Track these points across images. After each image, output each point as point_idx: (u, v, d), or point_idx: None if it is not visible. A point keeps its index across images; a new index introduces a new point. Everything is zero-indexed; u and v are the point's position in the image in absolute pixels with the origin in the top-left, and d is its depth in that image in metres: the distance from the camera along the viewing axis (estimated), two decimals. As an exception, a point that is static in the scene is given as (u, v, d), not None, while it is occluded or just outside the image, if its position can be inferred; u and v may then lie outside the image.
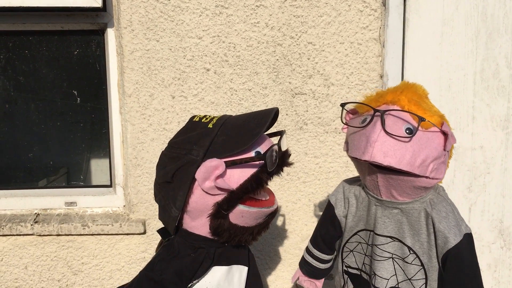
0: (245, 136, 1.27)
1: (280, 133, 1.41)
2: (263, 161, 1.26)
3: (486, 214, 2.44)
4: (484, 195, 2.43)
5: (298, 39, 2.33)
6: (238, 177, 1.26)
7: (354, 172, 2.41)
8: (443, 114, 1.39)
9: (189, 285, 1.32)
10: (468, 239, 1.38)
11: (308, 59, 2.34)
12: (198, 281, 1.33)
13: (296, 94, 2.36)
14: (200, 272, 1.33)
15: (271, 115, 1.29)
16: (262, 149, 1.31)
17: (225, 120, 1.34)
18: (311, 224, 2.46)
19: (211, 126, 1.32)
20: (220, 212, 1.28)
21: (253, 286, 1.43)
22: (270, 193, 1.42)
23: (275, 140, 1.43)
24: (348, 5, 2.30)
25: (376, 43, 2.33)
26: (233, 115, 1.38)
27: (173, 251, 1.35)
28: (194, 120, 1.39)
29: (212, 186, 1.23)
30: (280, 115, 2.37)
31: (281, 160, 1.34)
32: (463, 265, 1.37)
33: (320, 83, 2.35)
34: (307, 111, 2.37)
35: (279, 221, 2.47)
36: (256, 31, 2.32)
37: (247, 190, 1.26)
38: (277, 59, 2.34)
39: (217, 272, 1.36)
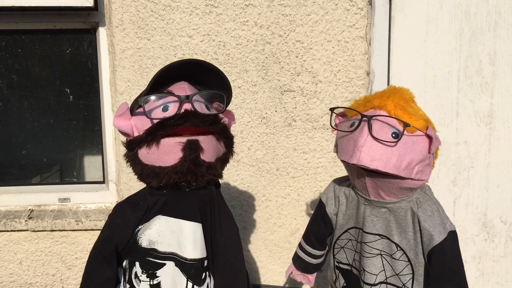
0: (149, 87, 1.32)
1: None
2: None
3: (470, 207, 2.50)
4: (468, 189, 2.49)
5: (286, 37, 2.38)
6: (141, 123, 1.33)
7: (341, 168, 2.46)
8: (428, 117, 1.45)
9: (137, 230, 1.40)
10: (452, 236, 1.45)
11: (297, 57, 2.39)
12: (145, 228, 1.40)
13: (284, 91, 2.41)
14: (146, 218, 1.40)
15: (178, 63, 1.31)
16: (171, 102, 1.32)
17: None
18: (300, 218, 2.51)
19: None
20: (127, 154, 1.39)
21: (222, 251, 1.43)
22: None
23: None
24: (335, 4, 2.35)
25: (362, 41, 2.38)
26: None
27: (130, 199, 1.47)
28: None
29: (114, 124, 1.35)
30: (269, 112, 2.42)
31: (186, 116, 1.28)
32: (447, 260, 1.44)
33: (308, 80, 2.40)
34: (295, 108, 2.43)
35: (269, 216, 2.52)
36: (245, 30, 2.36)
37: (140, 139, 1.32)
38: (266, 57, 2.39)
39: (165, 222, 1.40)
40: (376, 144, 1.35)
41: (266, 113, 2.43)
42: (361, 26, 2.37)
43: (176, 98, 1.30)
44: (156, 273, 1.40)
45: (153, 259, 1.40)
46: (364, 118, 1.39)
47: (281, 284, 2.59)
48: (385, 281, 1.53)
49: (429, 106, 2.43)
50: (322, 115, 2.42)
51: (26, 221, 2.45)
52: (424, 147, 1.39)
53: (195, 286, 1.40)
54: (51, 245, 2.52)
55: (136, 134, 1.35)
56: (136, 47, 2.37)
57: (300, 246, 1.82)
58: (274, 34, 2.37)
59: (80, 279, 2.54)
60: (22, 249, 2.52)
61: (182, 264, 1.39)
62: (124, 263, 1.46)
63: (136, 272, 1.43)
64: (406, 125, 1.35)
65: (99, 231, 2.47)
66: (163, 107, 1.31)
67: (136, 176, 1.42)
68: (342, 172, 2.46)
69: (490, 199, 2.50)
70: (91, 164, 2.71)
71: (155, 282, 1.41)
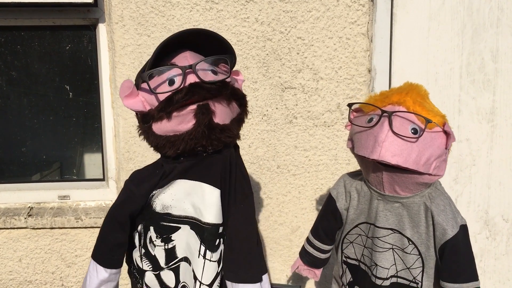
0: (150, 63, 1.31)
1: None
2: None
3: (472, 205, 2.49)
4: (470, 187, 2.48)
5: (287, 34, 2.36)
6: (150, 97, 1.34)
7: (343, 165, 2.45)
8: (444, 114, 1.46)
9: (151, 195, 1.42)
10: (464, 230, 1.48)
11: (298, 53, 2.37)
12: (159, 193, 1.41)
13: (285, 88, 2.40)
14: (161, 184, 1.41)
15: (179, 33, 1.28)
16: (176, 75, 1.30)
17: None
18: (301, 216, 2.50)
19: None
20: (140, 126, 1.40)
21: (234, 216, 1.41)
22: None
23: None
24: (337, 1, 2.33)
25: (364, 37, 2.37)
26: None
27: (146, 167, 1.48)
28: None
29: (125, 105, 1.35)
30: (270, 109, 2.40)
31: (192, 89, 1.26)
32: (459, 254, 1.47)
33: (310, 77, 2.39)
34: (296, 105, 2.41)
35: (270, 214, 2.51)
36: (246, 26, 2.35)
37: (153, 115, 1.32)
38: (267, 54, 2.37)
39: (180, 185, 1.40)
40: (397, 140, 1.37)
41: (267, 110, 2.41)
42: (363, 22, 2.36)
43: (180, 71, 1.28)
44: (171, 237, 1.41)
45: (167, 223, 1.41)
46: (385, 114, 1.40)
47: (282, 282, 2.58)
48: (395, 274, 1.55)
49: (431, 103, 2.42)
50: (323, 112, 2.41)
51: (25, 218, 2.44)
52: (441, 143, 1.42)
53: (207, 251, 1.39)
54: (50, 242, 2.51)
55: (148, 108, 1.35)
56: (136, 44, 2.35)
57: (308, 240, 1.83)
58: (275, 30, 2.36)
59: (80, 277, 2.54)
60: (21, 247, 2.51)
61: (197, 226, 1.39)
62: (139, 228, 1.46)
63: (150, 236, 1.44)
64: (428, 121, 1.38)
65: (99, 229, 2.48)
66: (169, 81, 1.30)
67: (150, 149, 1.43)
68: (344, 170, 2.45)
69: (492, 197, 2.49)
70: (91, 161, 2.70)
71: (169, 246, 1.42)
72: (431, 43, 2.39)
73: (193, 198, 1.39)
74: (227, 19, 2.34)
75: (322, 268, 1.86)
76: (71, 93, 2.61)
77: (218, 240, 1.40)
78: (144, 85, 1.34)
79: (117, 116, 2.42)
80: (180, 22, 2.34)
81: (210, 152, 1.37)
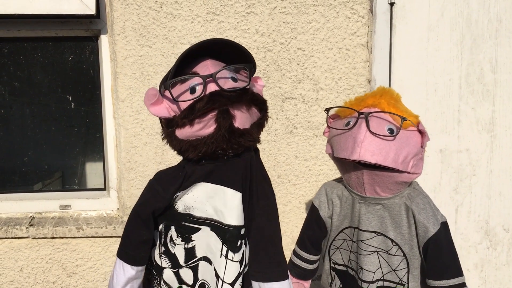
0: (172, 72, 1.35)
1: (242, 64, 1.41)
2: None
3: (473, 215, 2.49)
4: (470, 197, 2.48)
5: (287, 45, 2.38)
6: (172, 105, 1.38)
7: (343, 175, 2.46)
8: (417, 114, 1.51)
9: (174, 196, 1.45)
10: (445, 227, 1.52)
11: (298, 64, 2.39)
12: (182, 194, 1.44)
13: (286, 98, 2.42)
14: (184, 186, 1.44)
15: (201, 43, 1.32)
16: (198, 84, 1.34)
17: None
18: (302, 225, 2.50)
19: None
20: (164, 131, 1.44)
21: (258, 218, 1.44)
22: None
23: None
24: (336, 12, 2.35)
25: (363, 48, 2.39)
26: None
27: (170, 169, 1.51)
28: None
29: (152, 112, 1.39)
30: (270, 119, 2.42)
31: (213, 98, 1.30)
32: (442, 251, 1.50)
33: (310, 87, 2.41)
34: (297, 115, 2.43)
35: (270, 223, 2.51)
36: (247, 37, 2.37)
37: (176, 122, 1.36)
38: (268, 65, 2.39)
39: (203, 187, 1.43)
40: (375, 139, 1.40)
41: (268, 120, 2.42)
42: (362, 33, 2.38)
43: (201, 80, 1.33)
44: (191, 237, 1.44)
45: (188, 224, 1.44)
46: (362, 115, 1.45)
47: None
48: (382, 278, 1.57)
49: (431, 114, 2.43)
50: (323, 123, 2.42)
51: (27, 228, 2.45)
52: (417, 142, 1.47)
53: (229, 251, 1.42)
54: (51, 252, 2.51)
55: (172, 114, 1.39)
56: (138, 55, 2.38)
57: (295, 253, 1.83)
58: (275, 41, 2.38)
59: (80, 286, 2.54)
60: (22, 256, 2.52)
61: (218, 228, 1.42)
62: (160, 227, 1.49)
63: (171, 236, 1.47)
64: (403, 119, 1.42)
65: (100, 239, 2.49)
66: (191, 89, 1.34)
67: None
68: (344, 179, 2.45)
69: (492, 207, 2.49)
70: (92, 171, 2.71)
71: (189, 246, 1.45)
72: (430, 54, 2.41)
73: (215, 201, 1.42)
74: (228, 31, 2.36)
75: (310, 280, 1.87)
76: (73, 103, 2.63)
77: (240, 242, 1.43)
78: (167, 93, 1.38)
79: (119, 126, 2.44)
80: (182, 33, 2.36)
81: (231, 155, 1.41)
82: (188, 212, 1.44)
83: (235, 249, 1.42)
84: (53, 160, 2.70)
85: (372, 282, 1.56)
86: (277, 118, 2.43)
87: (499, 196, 2.48)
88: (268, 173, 2.44)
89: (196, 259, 1.46)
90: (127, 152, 2.44)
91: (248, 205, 1.44)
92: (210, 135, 1.34)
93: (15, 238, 2.48)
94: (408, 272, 1.55)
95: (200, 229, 1.44)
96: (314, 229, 1.74)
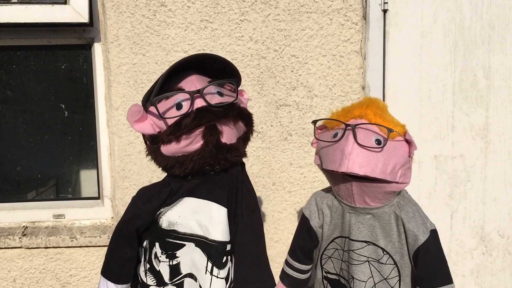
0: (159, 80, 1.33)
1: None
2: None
3: (468, 221, 2.49)
4: (465, 202, 2.48)
5: (281, 52, 2.38)
6: (157, 121, 1.37)
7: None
8: (404, 124, 1.52)
9: (158, 212, 1.43)
10: (434, 235, 1.52)
11: (292, 71, 2.39)
12: (167, 210, 1.43)
13: (280, 105, 2.41)
14: (168, 202, 1.42)
15: (185, 59, 1.31)
16: (185, 103, 1.33)
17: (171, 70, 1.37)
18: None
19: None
20: (148, 147, 1.42)
21: (242, 232, 1.43)
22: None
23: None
24: (330, 19, 2.36)
25: (357, 55, 2.39)
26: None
27: (154, 185, 1.50)
28: None
29: (135, 129, 1.38)
30: (265, 126, 2.41)
31: (200, 114, 1.29)
32: (432, 259, 1.51)
33: (304, 94, 2.41)
34: (291, 122, 2.42)
35: (265, 231, 2.50)
36: (241, 45, 2.37)
37: (162, 139, 1.35)
38: (262, 72, 2.39)
39: (187, 203, 1.42)
40: (363, 151, 1.41)
41: (262, 127, 2.42)
42: (356, 40, 2.38)
43: (188, 95, 1.31)
44: (175, 253, 1.43)
45: (172, 240, 1.43)
46: (349, 127, 1.45)
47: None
48: (373, 287, 1.57)
49: (425, 120, 2.43)
50: (318, 129, 2.42)
51: (20, 238, 2.42)
52: (404, 152, 1.48)
53: (214, 267, 1.41)
54: (45, 262, 2.49)
55: (157, 130, 1.37)
56: (132, 63, 2.37)
57: (287, 263, 1.82)
58: (269, 48, 2.38)
59: (75, 296, 2.52)
60: (15, 267, 2.49)
61: (203, 244, 1.41)
62: (144, 243, 1.48)
63: (156, 252, 1.46)
64: (390, 130, 1.43)
65: (94, 248, 2.47)
66: (176, 105, 1.33)
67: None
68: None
69: (487, 213, 2.49)
70: (86, 179, 2.69)
71: (174, 262, 1.44)
72: (423, 60, 2.41)
73: (200, 216, 1.41)
74: (222, 38, 2.36)
75: None
76: (66, 112, 2.61)
77: (225, 258, 1.42)
78: (153, 109, 1.37)
79: (112, 135, 2.42)
80: (175, 41, 2.35)
81: (218, 171, 1.41)
82: (172, 228, 1.43)
83: (221, 265, 1.41)
84: (46, 169, 2.68)
85: None
86: (271, 125, 2.43)
87: (494, 202, 2.48)
88: (263, 180, 2.44)
89: (181, 276, 1.44)
90: (121, 160, 2.43)
91: (234, 220, 1.43)
92: (197, 151, 1.33)
93: (8, 248, 2.46)
94: (399, 280, 1.55)
95: (184, 245, 1.42)
96: (305, 239, 1.73)
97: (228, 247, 1.42)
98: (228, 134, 1.35)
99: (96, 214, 2.57)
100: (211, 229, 1.40)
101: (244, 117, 1.42)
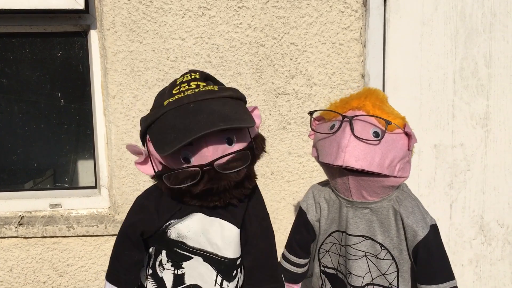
0: (162, 143, 1.23)
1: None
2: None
3: (467, 210, 2.48)
4: (465, 192, 2.47)
5: (280, 39, 2.35)
6: (157, 161, 1.33)
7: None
8: (404, 116, 1.47)
9: (167, 223, 1.38)
10: (434, 230, 1.47)
11: (291, 59, 2.36)
12: (176, 222, 1.38)
13: (279, 94, 2.39)
14: (180, 214, 1.38)
15: (192, 135, 1.17)
16: (193, 159, 1.25)
17: (174, 107, 1.26)
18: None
19: (165, 104, 1.28)
20: (153, 177, 1.38)
21: (254, 251, 1.42)
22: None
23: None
24: (330, 6, 2.33)
25: (357, 43, 2.36)
26: (191, 100, 1.26)
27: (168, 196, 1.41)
28: (176, 82, 1.35)
29: (139, 170, 1.36)
30: (263, 115, 2.39)
31: (211, 181, 1.24)
32: (432, 255, 1.46)
33: (303, 83, 2.38)
34: (290, 111, 2.40)
35: (264, 220, 2.49)
36: (239, 32, 2.34)
37: (167, 180, 1.30)
38: (260, 60, 2.36)
39: (198, 218, 1.38)
40: (360, 144, 1.36)
41: (260, 116, 2.39)
42: (356, 28, 2.35)
43: (198, 169, 1.24)
44: (182, 264, 1.40)
45: (180, 251, 1.40)
46: (346, 119, 1.41)
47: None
48: (371, 282, 1.54)
49: (425, 109, 2.41)
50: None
51: (16, 227, 2.40)
52: (403, 145, 1.43)
53: (224, 281, 1.40)
54: (42, 251, 2.47)
55: (160, 167, 1.33)
56: (128, 50, 2.34)
57: (284, 257, 1.80)
58: (268, 36, 2.35)
59: (71, 286, 2.50)
60: (12, 256, 2.47)
61: (212, 259, 1.39)
62: (150, 249, 1.45)
63: (161, 260, 1.42)
64: (388, 122, 1.38)
65: (91, 237, 2.45)
66: (184, 159, 1.26)
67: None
68: (338, 175, 2.43)
69: (487, 202, 2.48)
70: (83, 169, 2.67)
71: (179, 272, 1.40)
72: (424, 48, 2.38)
73: (210, 234, 1.38)
74: (220, 25, 2.33)
75: (300, 283, 1.84)
76: (62, 100, 2.58)
77: (235, 271, 1.42)
78: (152, 146, 1.30)
79: (109, 123, 2.40)
80: (172, 28, 2.32)
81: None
82: (181, 240, 1.39)
83: (231, 279, 1.40)
84: (42, 158, 2.65)
85: (362, 287, 1.54)
86: (270, 114, 2.40)
87: (494, 191, 2.47)
88: (262, 169, 2.42)
89: (184, 285, 1.41)
90: (118, 149, 2.40)
91: (245, 230, 1.41)
92: (202, 192, 1.28)
93: (4, 237, 2.44)
94: (397, 276, 1.52)
95: (192, 258, 1.40)
96: (302, 233, 1.71)
97: (238, 261, 1.41)
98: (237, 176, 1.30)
99: (93, 203, 2.55)
100: (222, 247, 1.38)
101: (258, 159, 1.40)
